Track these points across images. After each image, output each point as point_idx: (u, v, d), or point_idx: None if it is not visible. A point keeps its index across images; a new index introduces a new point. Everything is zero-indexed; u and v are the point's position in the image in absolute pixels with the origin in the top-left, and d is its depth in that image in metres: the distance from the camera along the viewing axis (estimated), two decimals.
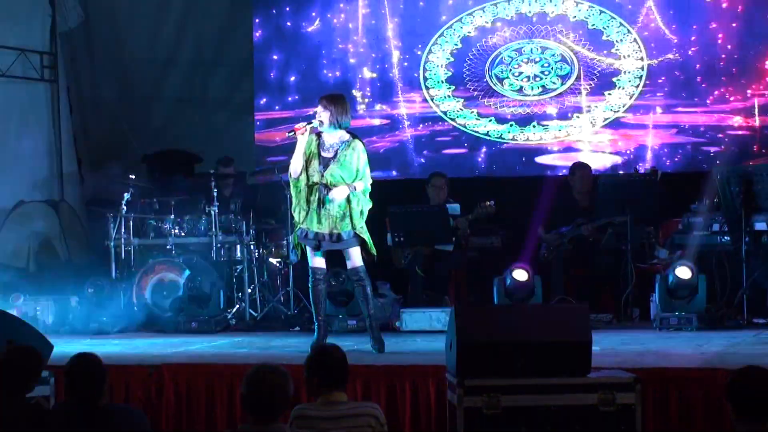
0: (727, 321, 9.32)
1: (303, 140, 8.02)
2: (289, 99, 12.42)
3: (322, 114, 8.01)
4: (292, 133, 8.02)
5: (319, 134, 8.08)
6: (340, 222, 7.98)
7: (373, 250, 8.13)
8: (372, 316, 8.16)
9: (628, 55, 11.62)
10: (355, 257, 8.07)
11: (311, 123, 8.03)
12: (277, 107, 12.48)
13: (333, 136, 8.06)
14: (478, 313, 6.48)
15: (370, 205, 8.09)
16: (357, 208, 8.00)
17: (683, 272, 9.28)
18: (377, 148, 12.03)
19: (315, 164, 8.02)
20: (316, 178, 8.00)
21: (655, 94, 11.56)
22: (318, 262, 8.15)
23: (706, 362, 7.10)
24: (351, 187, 7.95)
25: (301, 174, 8.02)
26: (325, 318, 8.32)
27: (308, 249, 8.12)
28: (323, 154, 8.03)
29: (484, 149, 11.92)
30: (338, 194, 7.95)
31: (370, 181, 8.12)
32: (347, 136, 8.09)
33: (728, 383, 4.69)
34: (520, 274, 9.67)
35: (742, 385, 4.64)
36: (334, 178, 7.98)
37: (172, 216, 10.96)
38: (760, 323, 9.38)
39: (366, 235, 8.05)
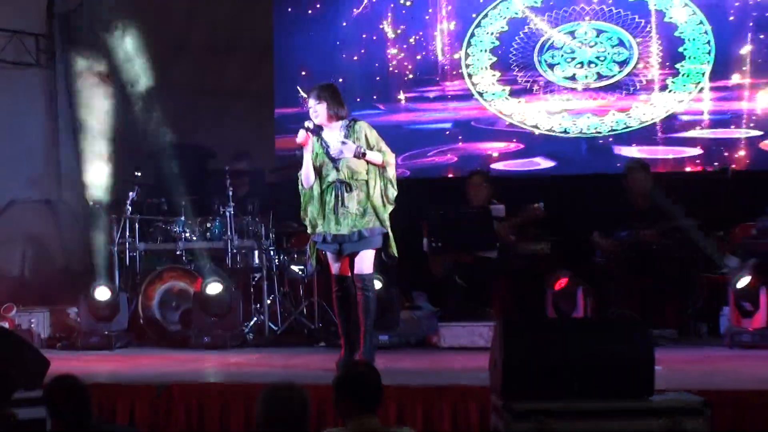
0: None
1: (309, 147, 8.07)
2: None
3: (318, 107, 8.11)
4: (301, 150, 8.13)
5: (318, 135, 8.11)
6: (360, 219, 8.02)
7: (395, 251, 8.12)
8: (370, 332, 8.10)
9: (694, 39, 11.49)
10: (365, 260, 8.07)
11: (307, 125, 8.07)
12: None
13: (333, 130, 8.13)
14: (526, 327, 6.44)
15: (395, 192, 8.08)
16: (378, 200, 8.02)
17: (743, 282, 9.26)
18: (417, 145, 12.00)
19: (327, 164, 8.08)
20: (332, 177, 8.06)
21: (724, 80, 11.42)
22: (341, 269, 8.15)
23: None
24: (359, 149, 7.95)
25: (314, 181, 8.07)
26: (353, 332, 8.28)
27: (329, 255, 8.12)
28: (331, 152, 8.07)
29: (532, 144, 11.82)
30: (347, 151, 7.98)
31: (393, 155, 8.16)
32: (346, 122, 8.15)
33: None
34: (560, 283, 9.66)
35: None
36: (350, 169, 8.02)
37: (183, 218, 10.97)
38: None
39: (389, 232, 8.07)
